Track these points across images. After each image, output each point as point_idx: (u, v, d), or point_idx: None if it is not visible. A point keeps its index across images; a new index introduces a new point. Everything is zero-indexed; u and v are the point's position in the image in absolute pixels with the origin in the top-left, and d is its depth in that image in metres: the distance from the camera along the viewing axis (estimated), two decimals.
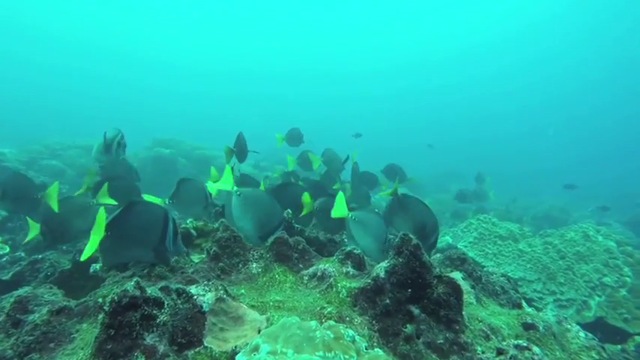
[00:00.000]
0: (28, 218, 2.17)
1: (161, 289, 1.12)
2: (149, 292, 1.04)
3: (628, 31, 27.81)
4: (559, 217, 10.48)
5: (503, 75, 37.47)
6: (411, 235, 1.32)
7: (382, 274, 1.30)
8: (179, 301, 1.14)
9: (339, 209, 1.76)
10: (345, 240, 2.41)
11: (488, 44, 36.06)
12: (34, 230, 2.12)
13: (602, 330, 3.81)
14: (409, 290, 1.28)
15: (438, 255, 2.30)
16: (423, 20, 37.51)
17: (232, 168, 1.79)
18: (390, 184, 4.22)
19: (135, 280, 1.00)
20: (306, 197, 2.28)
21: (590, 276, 4.26)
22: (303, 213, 2.26)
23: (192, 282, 1.34)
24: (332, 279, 1.38)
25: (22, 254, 2.89)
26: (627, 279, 4.27)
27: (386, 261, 1.34)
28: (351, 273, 1.46)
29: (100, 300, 1.16)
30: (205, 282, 1.34)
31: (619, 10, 26.52)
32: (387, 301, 1.27)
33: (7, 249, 3.30)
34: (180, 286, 1.17)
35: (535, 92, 36.93)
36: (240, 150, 3.20)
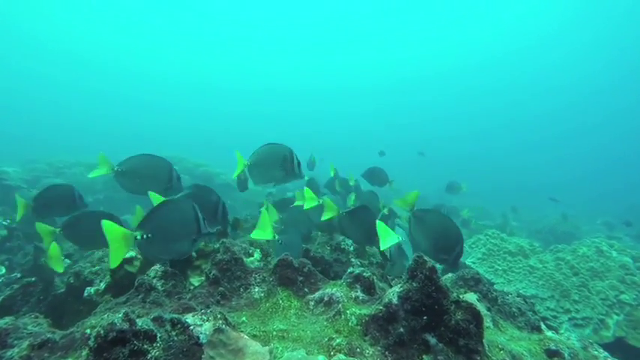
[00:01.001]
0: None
1: (154, 319, 1.02)
2: (139, 323, 0.94)
3: (636, 42, 27.95)
4: (566, 231, 10.29)
5: (504, 89, 37.63)
6: (425, 258, 1.22)
7: (395, 300, 1.19)
8: (173, 333, 1.04)
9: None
10: (352, 259, 2.31)
11: (489, 59, 36.34)
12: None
13: (623, 351, 3.63)
14: (425, 317, 1.17)
15: (450, 275, 2.18)
16: (424, 36, 37.95)
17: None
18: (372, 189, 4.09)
19: (123, 311, 0.90)
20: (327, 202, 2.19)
21: (607, 293, 4.09)
22: (324, 218, 2.19)
23: (189, 309, 1.24)
24: (340, 305, 1.28)
25: (19, 275, 2.79)
26: None
27: (398, 285, 1.24)
28: (360, 298, 1.35)
29: (88, 331, 1.07)
30: (203, 310, 1.24)
31: (625, 26, 26.72)
32: (401, 329, 1.16)
33: (4, 270, 3.21)
34: (174, 315, 1.07)
35: (535, 105, 37.02)
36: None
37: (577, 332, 3.82)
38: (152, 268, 1.60)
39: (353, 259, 2.28)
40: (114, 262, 1.29)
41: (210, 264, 1.55)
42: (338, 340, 1.10)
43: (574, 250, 4.78)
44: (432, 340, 1.15)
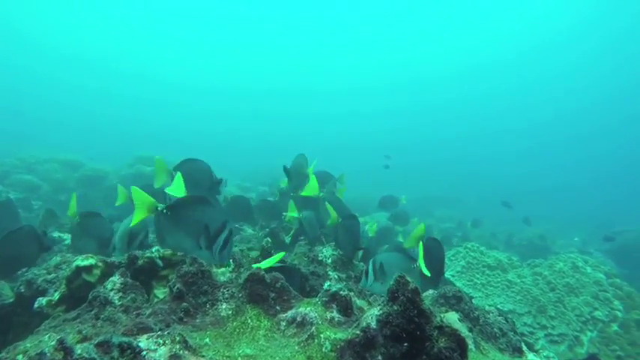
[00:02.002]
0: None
1: (98, 344, 0.89)
2: (78, 352, 0.81)
3: (626, 59, 28.97)
4: (541, 244, 10.47)
5: (488, 97, 38.42)
6: (407, 278, 1.12)
7: (373, 324, 1.09)
8: None
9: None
10: (330, 272, 2.20)
11: (484, 64, 37.00)
12: None
13: None
14: (405, 344, 1.07)
15: (431, 292, 2.11)
16: (415, 40, 38.45)
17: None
18: None
19: (57, 338, 0.77)
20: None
21: (581, 309, 4.12)
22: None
23: (145, 330, 1.11)
24: (314, 327, 1.17)
25: None
26: (618, 313, 4.15)
27: (377, 307, 1.14)
28: (336, 319, 1.25)
29: (20, 357, 0.92)
30: (161, 330, 1.12)
31: (624, 36, 27.55)
32: (379, 357, 1.06)
33: None
34: (124, 339, 0.94)
35: (521, 116, 37.93)
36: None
37: (553, 349, 3.82)
38: (110, 279, 1.45)
39: (330, 273, 2.18)
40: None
41: (175, 276, 1.42)
42: None
43: (551, 265, 4.82)
44: None
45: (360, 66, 41.30)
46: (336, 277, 2.14)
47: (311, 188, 2.38)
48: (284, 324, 1.28)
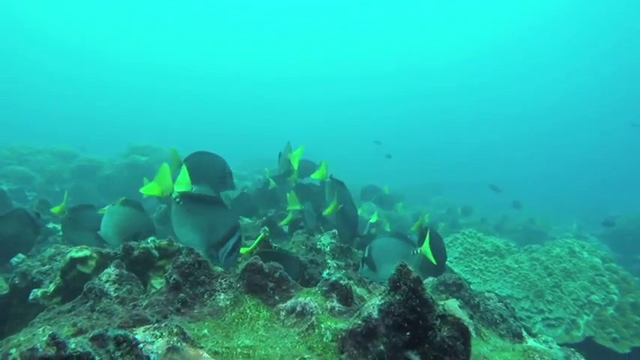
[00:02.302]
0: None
1: (93, 338, 0.86)
2: (72, 346, 0.78)
3: (619, 47, 28.84)
4: (538, 230, 10.54)
5: (486, 85, 38.23)
6: (409, 267, 1.10)
7: (375, 314, 1.07)
8: (118, 354, 0.88)
9: None
10: (329, 261, 2.19)
11: (476, 54, 36.73)
12: None
13: (591, 350, 3.68)
14: (407, 333, 1.05)
15: (431, 279, 2.10)
16: (415, 28, 38.01)
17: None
18: None
19: (49, 333, 0.74)
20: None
21: (578, 294, 4.15)
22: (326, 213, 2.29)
23: (141, 322, 1.08)
24: (314, 317, 1.15)
25: None
26: (614, 297, 4.18)
27: (379, 297, 1.11)
28: (336, 309, 1.23)
29: (13, 351, 0.89)
30: (158, 322, 1.09)
31: (616, 23, 27.36)
32: (381, 347, 1.04)
33: None
34: (120, 332, 0.91)
35: (515, 103, 37.83)
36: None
37: (550, 332, 3.86)
38: (105, 270, 1.42)
39: (329, 261, 2.16)
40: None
41: (172, 267, 1.39)
42: None
43: (548, 250, 4.84)
44: (415, 359, 1.04)
45: (358, 54, 40.87)
46: (334, 265, 2.12)
47: (320, 173, 2.36)
48: (283, 314, 1.26)
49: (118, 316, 1.11)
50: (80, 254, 1.70)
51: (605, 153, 33.59)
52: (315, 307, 1.21)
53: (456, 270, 4.73)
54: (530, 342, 1.81)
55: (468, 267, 4.83)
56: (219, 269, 1.47)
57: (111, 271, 1.40)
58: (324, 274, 2.07)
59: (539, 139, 36.40)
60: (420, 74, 39.23)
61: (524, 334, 1.89)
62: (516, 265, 4.60)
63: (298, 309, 1.24)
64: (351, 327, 1.09)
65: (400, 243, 1.94)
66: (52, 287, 1.68)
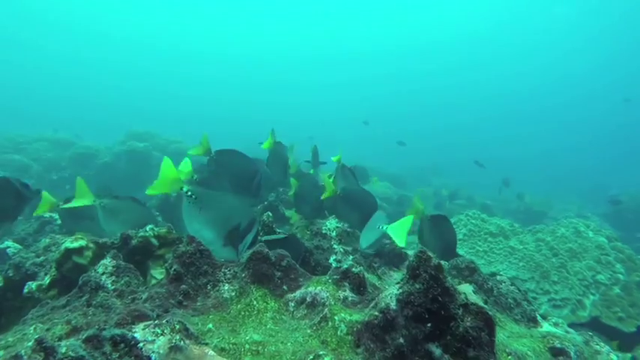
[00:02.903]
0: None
1: (86, 340, 0.78)
2: (63, 350, 0.70)
3: (617, 25, 28.37)
4: (540, 210, 10.53)
5: (487, 65, 37.72)
6: (429, 253, 1.02)
7: (393, 305, 0.99)
8: (115, 356, 0.80)
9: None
10: (335, 246, 2.11)
11: (476, 33, 36.07)
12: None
13: (597, 330, 3.66)
14: (428, 325, 0.98)
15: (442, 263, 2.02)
16: (413, 9, 37.23)
17: None
18: None
19: (36, 337, 0.65)
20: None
21: (584, 273, 4.11)
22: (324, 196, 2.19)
23: (140, 317, 1.00)
24: (326, 309, 1.07)
25: None
26: (620, 276, 4.14)
27: (396, 286, 1.03)
28: (349, 299, 1.15)
29: (0, 354, 0.82)
30: (159, 318, 1.01)
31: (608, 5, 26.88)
32: (401, 339, 0.97)
33: None
34: (116, 332, 0.83)
35: (515, 85, 37.43)
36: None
37: (556, 313, 3.83)
38: (101, 262, 1.34)
39: (335, 246, 2.08)
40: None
41: (172, 257, 1.31)
42: (326, 359, 0.89)
43: (553, 230, 4.78)
44: (437, 352, 0.96)
45: (354, 35, 40.10)
46: (341, 250, 2.04)
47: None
48: (293, 305, 1.19)
49: (116, 311, 1.03)
50: (75, 244, 1.62)
51: (602, 131, 33.47)
52: (327, 297, 1.13)
53: (460, 252, 4.67)
54: (546, 326, 1.76)
55: (473, 248, 4.78)
56: (222, 259, 1.39)
57: (107, 262, 1.32)
58: (331, 260, 2.00)
59: (537, 118, 36.22)
60: (418, 54, 38.67)
61: (539, 318, 1.83)
62: (521, 246, 4.55)
63: (309, 299, 1.16)
64: (367, 319, 1.01)
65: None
66: (47, 280, 1.60)
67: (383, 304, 1.01)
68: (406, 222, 1.81)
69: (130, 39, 39.46)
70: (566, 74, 34.78)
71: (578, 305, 3.88)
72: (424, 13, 36.81)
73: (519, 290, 2.03)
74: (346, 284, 1.19)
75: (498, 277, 2.05)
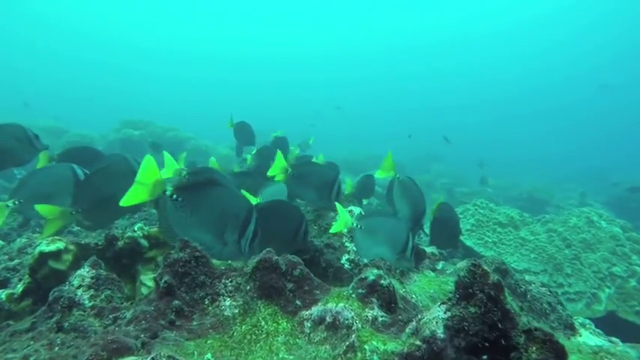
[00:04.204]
0: None
1: None
2: None
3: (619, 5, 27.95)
4: (542, 198, 10.39)
5: (488, 65, 37.43)
6: (485, 267, 0.81)
7: (440, 332, 0.79)
8: None
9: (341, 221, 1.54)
10: (347, 244, 1.90)
11: (478, 34, 35.80)
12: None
13: (613, 325, 3.50)
14: (484, 357, 0.77)
15: (465, 262, 1.82)
16: (415, 7, 36.89)
17: None
18: None
19: None
20: None
21: (599, 266, 3.94)
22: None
23: (120, 351, 0.79)
24: (354, 335, 0.86)
25: None
26: (637, 268, 3.98)
27: (442, 308, 0.83)
28: (380, 320, 0.94)
29: None
30: (142, 349, 0.80)
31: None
32: None
33: None
34: None
35: (517, 84, 37.15)
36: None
37: (570, 307, 3.67)
38: (77, 272, 1.12)
39: (347, 244, 1.87)
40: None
41: (162, 266, 1.09)
42: None
43: (565, 220, 4.60)
44: None
45: (357, 34, 39.61)
46: (354, 249, 1.83)
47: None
48: (309, 325, 0.98)
49: (89, 342, 0.81)
50: (52, 247, 1.40)
51: (604, 120, 33.30)
52: (352, 318, 0.92)
53: (468, 243, 4.51)
54: (585, 335, 1.57)
55: (481, 239, 4.60)
56: (222, 266, 1.17)
57: (85, 272, 1.10)
58: (344, 260, 1.79)
59: (535, 105, 35.99)
60: (409, 55, 38.28)
61: (576, 324, 1.64)
62: (532, 237, 4.37)
63: (328, 319, 0.96)
64: (406, 349, 0.81)
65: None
66: (19, 288, 1.39)
67: (427, 331, 0.80)
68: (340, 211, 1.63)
69: (126, 40, 38.74)
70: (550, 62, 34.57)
71: (593, 299, 3.72)
72: (424, 13, 36.45)
73: (550, 292, 1.84)
74: (374, 300, 0.98)
75: (527, 277, 1.86)
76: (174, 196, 1.18)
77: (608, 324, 3.38)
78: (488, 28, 35.48)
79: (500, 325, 0.77)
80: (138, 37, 39.59)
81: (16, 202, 1.64)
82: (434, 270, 1.91)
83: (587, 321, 2.41)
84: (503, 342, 0.78)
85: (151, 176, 1.14)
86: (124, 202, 1.13)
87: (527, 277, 3.89)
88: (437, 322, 0.80)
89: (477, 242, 4.56)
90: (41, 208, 1.42)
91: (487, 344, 0.78)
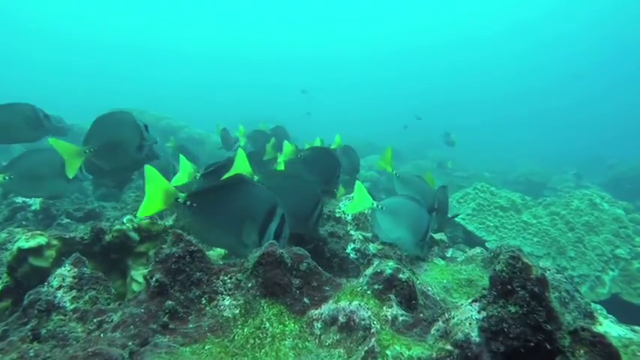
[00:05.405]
0: None
1: None
2: None
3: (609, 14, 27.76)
4: (539, 181, 10.36)
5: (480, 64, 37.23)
6: (526, 259, 0.70)
7: (475, 336, 0.68)
8: None
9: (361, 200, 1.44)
10: (352, 232, 1.79)
11: (473, 35, 35.54)
12: None
13: (617, 307, 3.46)
14: None
15: (479, 250, 1.73)
16: (417, 8, 36.44)
17: None
18: None
19: None
20: None
21: (602, 248, 3.89)
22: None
23: None
24: (373, 339, 0.75)
25: None
26: None
27: (475, 307, 0.72)
28: (400, 319, 0.83)
29: None
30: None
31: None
32: None
33: None
34: None
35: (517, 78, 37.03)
36: None
37: None
38: (58, 271, 1.00)
39: (352, 232, 1.76)
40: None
41: (153, 263, 0.98)
42: None
43: (567, 203, 4.53)
44: None
45: (360, 36, 39.11)
46: (360, 237, 1.73)
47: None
48: (319, 326, 0.87)
49: (66, 357, 0.70)
50: (32, 243, 1.28)
51: (603, 103, 33.34)
52: (369, 317, 0.81)
53: (469, 228, 4.43)
54: (606, 324, 1.48)
55: (482, 224, 4.52)
56: (221, 261, 1.06)
57: (66, 271, 0.98)
58: (349, 250, 1.69)
59: (534, 90, 35.93)
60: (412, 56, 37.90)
61: (596, 312, 1.56)
62: (535, 221, 4.30)
63: (342, 319, 0.85)
64: (435, 354, 0.70)
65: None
66: None
67: (460, 334, 0.69)
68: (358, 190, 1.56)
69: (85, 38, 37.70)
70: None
71: (597, 282, 3.68)
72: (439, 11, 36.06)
73: (566, 279, 1.75)
74: (392, 297, 0.87)
75: (541, 264, 1.77)
76: (188, 202, 1.12)
77: (613, 307, 3.34)
78: (485, 29, 35.28)
79: (545, 327, 0.67)
80: (126, 37, 38.72)
81: (6, 178, 1.80)
82: (443, 258, 1.81)
83: (599, 306, 2.34)
84: (547, 345, 0.68)
85: (159, 186, 1.09)
86: (141, 213, 1.09)
87: None
88: (470, 324, 0.70)
89: (478, 227, 4.48)
90: (55, 143, 1.51)
91: (529, 347, 0.67)
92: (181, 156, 1.71)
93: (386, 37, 38.98)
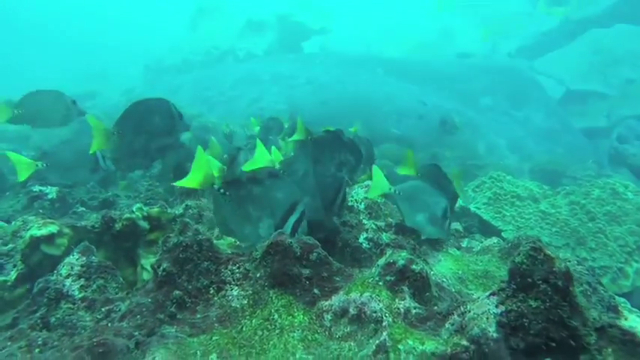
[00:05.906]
0: None
1: None
2: None
3: None
4: (556, 170, 10.10)
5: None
6: (546, 250, 0.65)
7: (492, 331, 0.64)
8: None
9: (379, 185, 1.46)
10: (365, 221, 1.75)
11: None
12: None
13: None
14: None
15: (495, 240, 1.67)
16: None
17: None
18: None
19: None
20: None
21: (626, 239, 3.76)
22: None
23: (108, 356, 0.66)
24: (385, 333, 0.72)
25: None
26: None
27: (492, 300, 0.68)
28: (413, 312, 0.80)
29: None
30: (135, 351, 0.67)
31: None
32: None
33: None
34: None
35: None
36: None
37: None
38: (66, 260, 1.00)
39: (365, 221, 1.73)
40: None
41: (161, 251, 0.96)
42: None
43: (587, 192, 4.38)
44: None
45: None
46: (373, 227, 1.69)
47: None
48: (329, 318, 0.84)
49: (72, 347, 0.69)
50: (44, 231, 1.29)
51: None
52: (381, 309, 0.78)
53: (485, 217, 4.34)
54: (632, 318, 1.42)
55: (499, 213, 4.41)
56: (229, 251, 1.04)
57: (74, 260, 0.98)
58: (362, 240, 1.65)
59: None
60: None
61: (620, 306, 1.50)
62: (553, 210, 4.17)
63: (352, 311, 0.82)
64: (450, 350, 0.67)
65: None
66: (13, 275, 1.29)
67: (476, 329, 0.66)
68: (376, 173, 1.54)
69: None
70: None
71: (619, 274, 3.56)
72: None
73: (588, 271, 1.68)
74: (405, 289, 0.84)
75: (561, 255, 1.71)
76: (222, 190, 1.19)
77: (637, 300, 3.24)
78: None
79: (569, 324, 0.63)
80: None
81: (43, 165, 1.98)
82: (459, 248, 1.76)
83: (622, 299, 2.26)
84: (572, 342, 0.63)
85: (202, 169, 1.17)
86: (179, 183, 1.20)
87: None
88: (487, 319, 0.66)
89: (494, 216, 4.39)
90: (91, 120, 1.62)
91: (551, 344, 0.63)
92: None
93: None
